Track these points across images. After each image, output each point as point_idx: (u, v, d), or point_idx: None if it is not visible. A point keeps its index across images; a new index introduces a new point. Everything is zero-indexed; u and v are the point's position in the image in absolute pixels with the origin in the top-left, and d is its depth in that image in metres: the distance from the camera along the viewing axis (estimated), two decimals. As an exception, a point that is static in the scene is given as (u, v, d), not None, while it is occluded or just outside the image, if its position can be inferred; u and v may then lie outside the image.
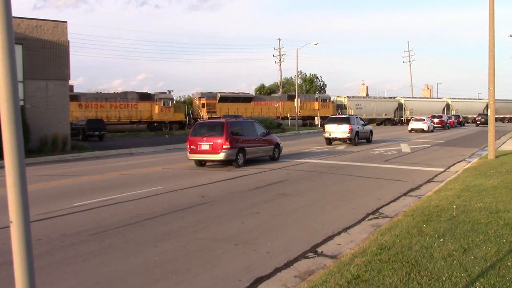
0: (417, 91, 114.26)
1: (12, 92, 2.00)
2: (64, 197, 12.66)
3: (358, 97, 78.04)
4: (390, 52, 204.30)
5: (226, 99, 58.49)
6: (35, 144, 26.16)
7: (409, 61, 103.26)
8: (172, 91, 56.62)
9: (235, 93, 61.16)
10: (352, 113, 62.27)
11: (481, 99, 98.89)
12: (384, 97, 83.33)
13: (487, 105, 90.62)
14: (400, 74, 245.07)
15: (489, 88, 20.74)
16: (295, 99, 56.37)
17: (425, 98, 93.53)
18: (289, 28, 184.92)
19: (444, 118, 58.51)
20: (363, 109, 70.84)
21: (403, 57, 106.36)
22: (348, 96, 71.69)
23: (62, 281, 6.28)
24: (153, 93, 53.04)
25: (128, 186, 14.40)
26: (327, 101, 67.36)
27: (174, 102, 55.45)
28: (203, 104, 56.69)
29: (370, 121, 61.99)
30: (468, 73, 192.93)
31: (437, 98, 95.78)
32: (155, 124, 51.30)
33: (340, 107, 68.26)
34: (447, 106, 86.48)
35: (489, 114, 21.70)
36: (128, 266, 6.86)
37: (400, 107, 78.35)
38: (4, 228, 9.05)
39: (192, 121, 52.64)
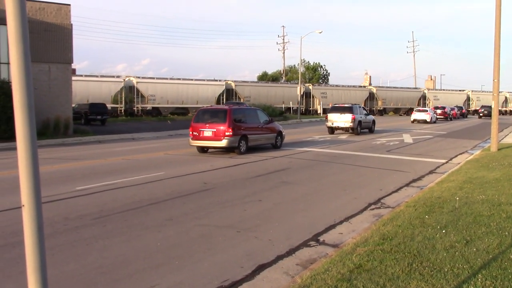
0: (421, 81, 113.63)
1: (25, 77, 1.98)
2: (67, 180, 12.68)
3: None
4: (394, 42, 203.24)
5: None
6: (37, 127, 25.90)
7: (413, 52, 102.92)
8: None
9: None
10: None
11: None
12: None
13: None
14: (404, 65, 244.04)
15: (493, 80, 20.64)
16: (298, 87, 55.88)
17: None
18: (293, 16, 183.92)
19: (447, 109, 58.33)
20: None
21: (407, 47, 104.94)
22: None
23: (65, 264, 6.30)
24: None
25: (131, 171, 14.42)
26: None
27: None
28: None
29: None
30: (473, 64, 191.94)
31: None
32: None
33: None
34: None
35: (493, 106, 21.61)
36: (130, 251, 6.89)
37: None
38: (7, 211, 9.09)
39: None
